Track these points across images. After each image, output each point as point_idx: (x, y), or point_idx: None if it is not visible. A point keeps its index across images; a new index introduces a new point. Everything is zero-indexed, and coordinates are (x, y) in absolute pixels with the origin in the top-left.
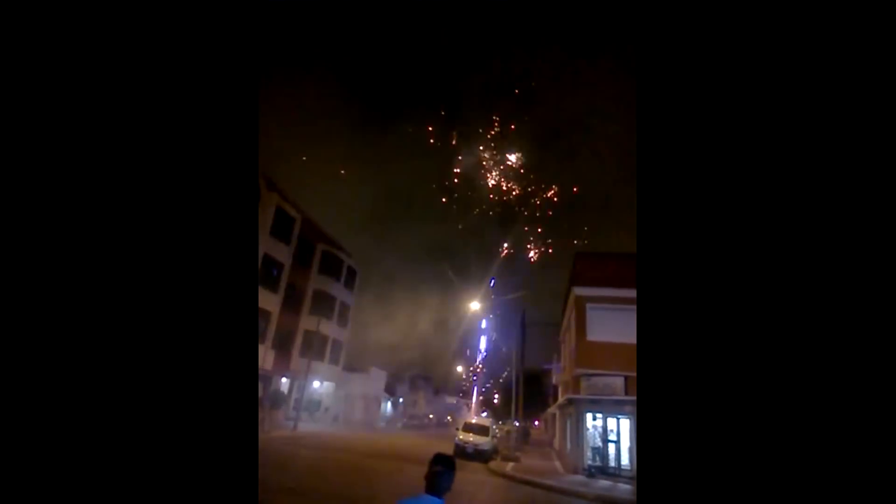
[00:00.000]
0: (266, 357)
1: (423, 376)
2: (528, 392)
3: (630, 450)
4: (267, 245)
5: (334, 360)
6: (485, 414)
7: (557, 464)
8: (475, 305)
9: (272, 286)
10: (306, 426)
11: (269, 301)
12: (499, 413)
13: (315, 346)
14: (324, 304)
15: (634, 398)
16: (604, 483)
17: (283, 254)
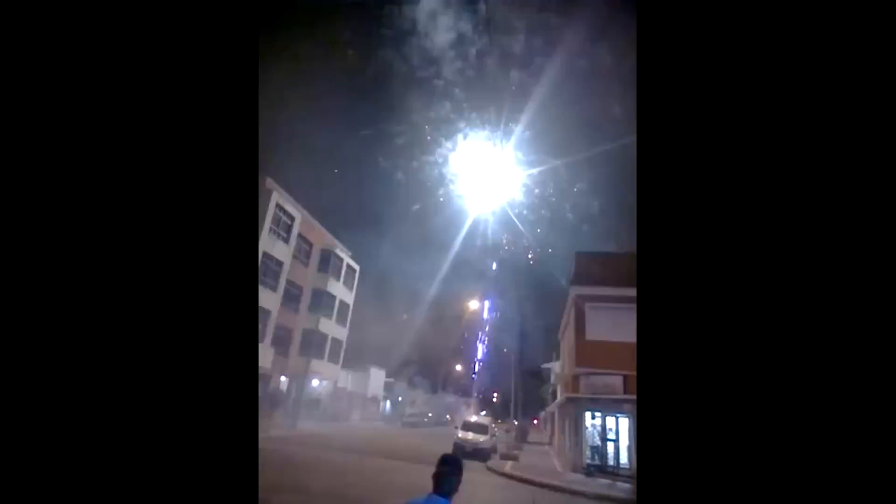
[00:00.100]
0: (265, 356)
1: (422, 375)
2: (527, 391)
3: (629, 448)
4: (266, 243)
5: (333, 359)
6: (484, 413)
7: (556, 462)
8: (474, 304)
9: (271, 284)
10: (305, 425)
11: (267, 299)
12: (498, 412)
13: (314, 345)
14: (323, 302)
15: (633, 397)
16: (602, 482)
17: (281, 252)
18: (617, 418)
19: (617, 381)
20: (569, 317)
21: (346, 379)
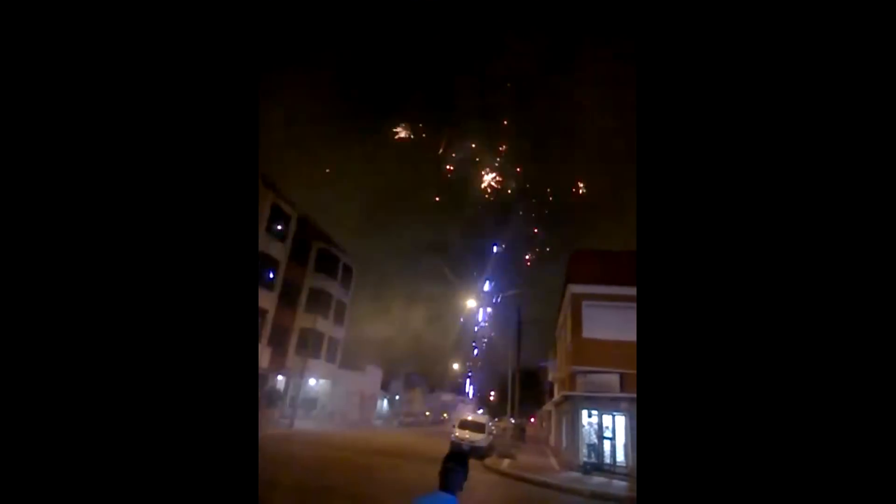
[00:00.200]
0: (262, 355)
1: (419, 374)
2: (523, 389)
3: (625, 446)
4: (262, 243)
5: (330, 358)
6: (481, 411)
7: (553, 460)
8: (471, 303)
9: (268, 284)
10: (302, 424)
11: (265, 299)
12: (495, 410)
13: (311, 344)
14: (320, 301)
15: (630, 395)
16: (599, 480)
17: (278, 251)
18: (614, 416)
19: (614, 379)
20: (565, 315)
21: (343, 378)
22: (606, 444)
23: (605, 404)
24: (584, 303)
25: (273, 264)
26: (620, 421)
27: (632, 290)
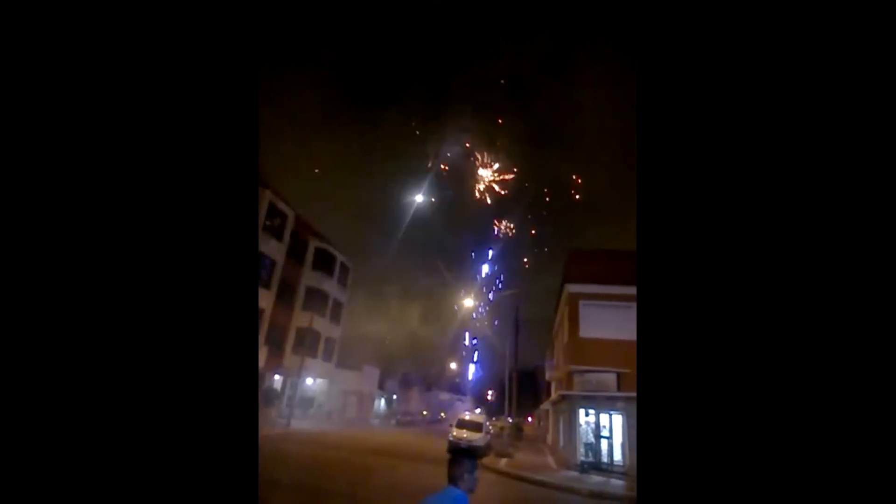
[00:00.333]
0: (259, 354)
1: (416, 373)
2: (521, 388)
3: (622, 445)
4: (259, 241)
5: (327, 357)
6: (478, 410)
7: (550, 460)
8: (469, 302)
9: (265, 283)
10: (300, 423)
11: (261, 297)
12: (492, 409)
13: (308, 343)
14: (316, 300)
15: (627, 394)
16: (596, 479)
17: (275, 250)
18: (611, 415)
19: (611, 378)
20: (562, 314)
21: (340, 377)
22: (604, 443)
23: (603, 403)
24: (582, 302)
25: (270, 263)
26: (617, 420)
27: (629, 290)
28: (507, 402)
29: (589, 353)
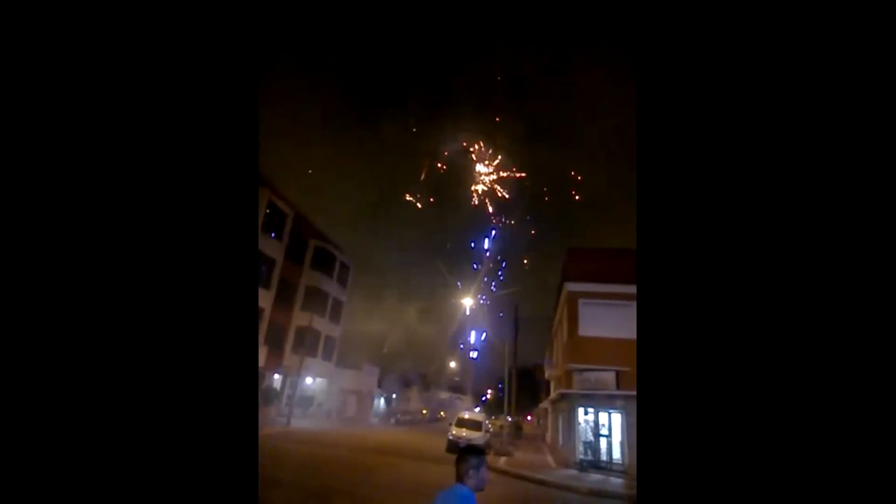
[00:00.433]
0: (259, 353)
1: (416, 372)
2: (520, 387)
3: (621, 444)
4: (259, 241)
5: (327, 357)
6: (477, 409)
7: (549, 458)
8: (468, 301)
9: (264, 282)
10: (299, 422)
11: (261, 297)
12: (491, 408)
13: (307, 343)
14: (316, 300)
15: (626, 392)
16: (595, 477)
17: (275, 250)
18: (610, 414)
19: (610, 376)
20: (562, 313)
21: (340, 376)
22: (603, 442)
23: (602, 402)
24: (581, 300)
25: (270, 262)
26: (616, 418)
27: (628, 288)
28: (506, 401)
29: (588, 351)
